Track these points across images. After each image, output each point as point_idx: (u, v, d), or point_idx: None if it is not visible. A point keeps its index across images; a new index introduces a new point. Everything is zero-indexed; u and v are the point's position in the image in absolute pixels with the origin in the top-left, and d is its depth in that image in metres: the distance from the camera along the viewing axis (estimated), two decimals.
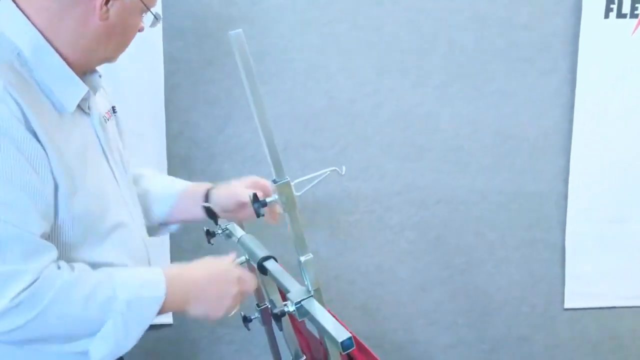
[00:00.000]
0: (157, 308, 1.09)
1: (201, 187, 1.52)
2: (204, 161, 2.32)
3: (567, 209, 2.47)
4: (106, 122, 1.28)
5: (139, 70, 2.22)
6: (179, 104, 2.28)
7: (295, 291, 1.18)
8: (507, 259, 2.50)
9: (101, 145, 1.22)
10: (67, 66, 1.11)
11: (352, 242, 2.46)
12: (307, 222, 2.38)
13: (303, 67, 2.33)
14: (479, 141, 2.42)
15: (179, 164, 2.24)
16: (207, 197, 1.49)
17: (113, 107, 1.38)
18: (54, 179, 1.02)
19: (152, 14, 1.24)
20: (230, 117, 2.32)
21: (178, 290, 1.14)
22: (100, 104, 1.29)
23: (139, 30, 1.26)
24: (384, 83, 2.36)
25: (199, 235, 2.38)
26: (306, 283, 1.17)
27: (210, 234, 1.61)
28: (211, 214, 1.48)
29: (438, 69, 2.36)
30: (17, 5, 1.06)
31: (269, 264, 1.33)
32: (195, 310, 1.20)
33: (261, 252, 1.36)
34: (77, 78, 1.13)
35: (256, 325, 1.81)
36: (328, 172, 1.23)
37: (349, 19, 2.31)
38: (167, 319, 2.40)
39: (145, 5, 1.21)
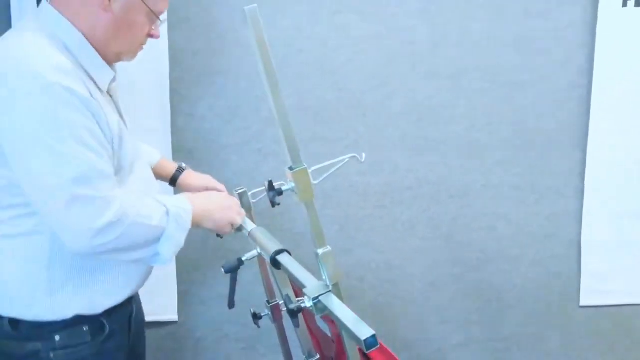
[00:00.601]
0: (191, 216, 1.39)
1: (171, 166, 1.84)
2: (210, 154, 2.26)
3: (584, 204, 2.40)
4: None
5: (143, 61, 2.09)
6: (185, 96, 2.23)
7: (313, 286, 1.11)
8: (521, 255, 2.44)
9: (125, 124, 1.49)
10: (99, 56, 1.36)
11: (361, 238, 2.40)
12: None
13: (311, 59, 2.27)
14: (493, 134, 2.36)
15: (184, 157, 2.18)
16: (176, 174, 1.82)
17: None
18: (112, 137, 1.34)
19: (152, 11, 1.40)
20: (238, 109, 2.26)
21: (196, 206, 1.43)
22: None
23: (151, 36, 1.45)
24: (394, 74, 2.30)
25: (204, 231, 2.35)
26: (324, 277, 1.11)
27: None
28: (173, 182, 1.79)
29: (451, 59, 2.30)
30: (60, 12, 1.34)
31: (283, 258, 1.27)
32: (207, 224, 1.49)
33: (274, 246, 1.30)
34: (106, 65, 1.39)
35: (264, 323, 1.75)
36: (347, 159, 1.16)
37: (359, 9, 2.25)
38: (172, 315, 2.35)
39: (145, 4, 1.38)
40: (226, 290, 2.39)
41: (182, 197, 1.47)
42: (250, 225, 1.49)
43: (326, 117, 2.31)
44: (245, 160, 2.28)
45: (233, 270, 1.36)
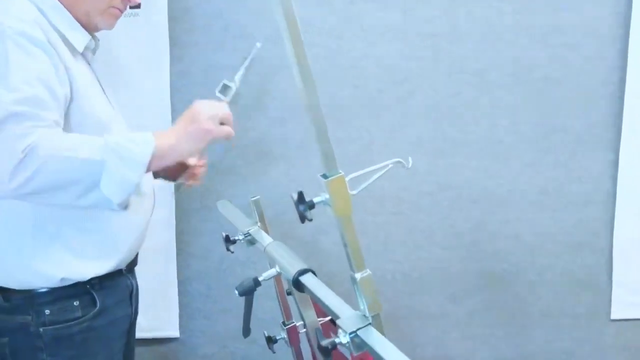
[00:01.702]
0: (150, 146, 1.23)
1: None
2: (215, 157, 2.10)
3: (615, 210, 2.26)
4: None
5: (141, 56, 2.06)
6: (187, 93, 2.09)
7: (348, 317, 0.94)
8: (549, 265, 2.29)
9: (101, 87, 1.47)
10: (73, 19, 1.36)
11: (377, 246, 2.24)
12: (326, 224, 2.21)
13: (323, 53, 2.13)
14: (518, 135, 2.21)
15: None
16: None
17: None
18: (70, 87, 1.29)
19: None
20: (245, 108, 2.11)
21: (163, 136, 1.27)
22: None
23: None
24: (413, 70, 2.16)
25: (209, 240, 2.21)
26: (362, 307, 0.93)
27: (229, 241, 1.37)
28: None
29: (474, 54, 2.16)
30: None
31: (308, 280, 1.09)
32: (184, 146, 1.30)
33: (297, 264, 1.13)
34: (81, 28, 1.38)
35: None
36: (390, 165, 0.99)
37: None
38: (173, 331, 2.20)
39: None
40: (231, 304, 2.27)
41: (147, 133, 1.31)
42: (265, 239, 1.31)
43: (339, 116, 2.16)
44: (252, 164, 2.15)
45: (248, 293, 1.19)
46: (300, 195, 0.90)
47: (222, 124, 1.32)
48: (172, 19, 2.03)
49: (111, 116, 1.42)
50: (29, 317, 1.34)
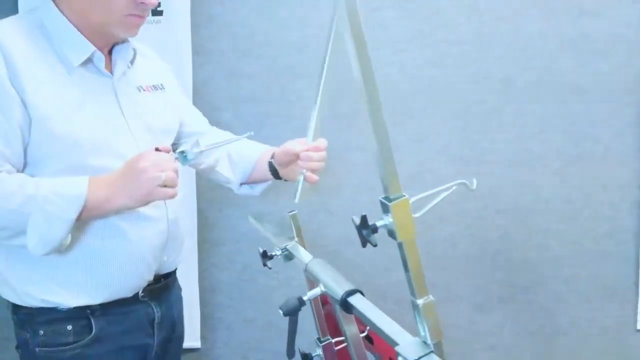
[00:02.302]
0: (78, 203, 1.19)
1: (271, 149, 1.60)
2: None
3: None
4: (140, 92, 1.41)
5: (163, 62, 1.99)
6: (209, 101, 2.06)
7: (409, 344, 0.90)
8: (575, 275, 2.25)
9: (119, 104, 1.35)
10: (76, 31, 1.29)
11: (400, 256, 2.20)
12: (349, 231, 2.18)
13: (347, 60, 2.07)
14: (544, 143, 2.18)
15: None
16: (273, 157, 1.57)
17: (160, 84, 1.49)
18: (29, 114, 1.22)
19: None
20: (268, 116, 2.09)
21: (100, 188, 1.22)
22: (138, 76, 1.42)
23: (142, 3, 1.28)
24: (438, 77, 2.13)
25: (230, 250, 2.18)
26: (423, 333, 0.90)
27: (267, 257, 1.33)
28: (274, 172, 1.54)
29: (500, 61, 2.13)
30: None
31: (357, 301, 1.06)
32: (119, 201, 1.23)
33: (344, 284, 1.09)
34: (85, 41, 1.29)
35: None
36: (454, 187, 0.96)
37: (399, 5, 2.08)
38: (194, 342, 2.17)
39: None
40: (253, 315, 2.24)
41: (85, 179, 1.23)
42: (304, 255, 1.27)
43: (363, 125, 2.11)
44: None
45: (293, 313, 1.15)
46: (364, 219, 0.87)
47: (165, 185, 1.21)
48: (195, 26, 2.01)
49: (103, 138, 1.29)
50: (28, 335, 1.31)
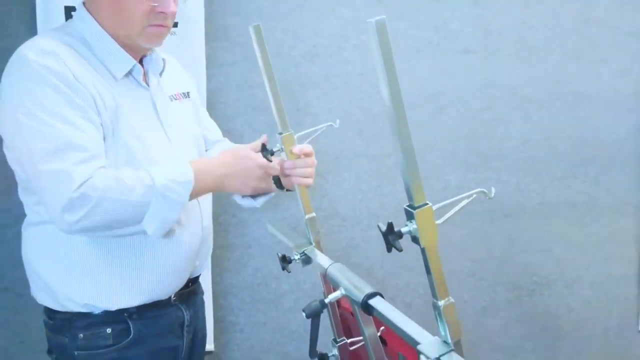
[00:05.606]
0: (189, 187, 1.28)
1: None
2: None
3: None
4: (172, 101, 1.46)
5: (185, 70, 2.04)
6: (222, 110, 2.09)
7: (430, 343, 0.95)
8: (579, 278, 2.31)
9: (157, 114, 1.40)
10: (117, 44, 1.33)
11: (408, 260, 2.24)
12: (357, 238, 2.22)
13: (357, 69, 2.14)
14: (550, 149, 2.23)
15: None
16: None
17: (187, 92, 1.55)
18: (99, 115, 1.27)
19: None
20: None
21: (206, 172, 1.33)
22: (168, 85, 1.47)
23: (161, 12, 1.31)
24: (446, 85, 2.17)
25: (243, 254, 2.22)
26: (443, 333, 0.95)
27: (286, 260, 1.38)
28: (279, 183, 1.51)
29: (506, 69, 2.18)
30: (87, 10, 1.36)
31: (378, 303, 1.10)
32: (228, 185, 1.37)
33: (364, 287, 1.14)
34: (126, 54, 1.34)
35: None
36: (474, 195, 1.01)
37: (408, 16, 2.12)
38: (208, 345, 2.19)
39: None
40: (265, 318, 2.28)
41: (188, 165, 1.32)
42: (323, 260, 1.32)
43: (372, 132, 2.17)
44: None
45: (316, 314, 1.20)
46: (390, 226, 0.92)
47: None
48: (209, 36, 2.03)
49: (153, 144, 1.35)
50: (66, 339, 1.34)
